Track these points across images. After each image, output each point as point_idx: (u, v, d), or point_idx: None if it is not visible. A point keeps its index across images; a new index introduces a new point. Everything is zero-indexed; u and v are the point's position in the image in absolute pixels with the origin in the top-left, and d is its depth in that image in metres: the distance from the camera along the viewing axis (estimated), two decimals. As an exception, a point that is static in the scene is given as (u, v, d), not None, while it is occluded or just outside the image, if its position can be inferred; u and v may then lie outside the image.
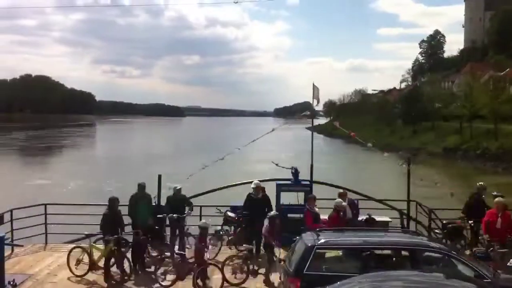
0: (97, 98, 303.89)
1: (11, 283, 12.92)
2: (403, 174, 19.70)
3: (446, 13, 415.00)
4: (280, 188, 17.45)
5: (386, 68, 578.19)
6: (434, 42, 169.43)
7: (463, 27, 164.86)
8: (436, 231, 16.82)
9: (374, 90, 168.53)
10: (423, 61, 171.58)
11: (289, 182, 17.78)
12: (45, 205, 17.26)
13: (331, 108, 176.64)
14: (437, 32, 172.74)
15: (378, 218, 17.39)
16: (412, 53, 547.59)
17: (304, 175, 18.14)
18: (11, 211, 16.38)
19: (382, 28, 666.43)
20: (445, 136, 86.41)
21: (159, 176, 17.30)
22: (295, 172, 17.64)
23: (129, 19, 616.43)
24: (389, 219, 17.72)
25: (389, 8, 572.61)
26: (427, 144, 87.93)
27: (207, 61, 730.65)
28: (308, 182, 17.84)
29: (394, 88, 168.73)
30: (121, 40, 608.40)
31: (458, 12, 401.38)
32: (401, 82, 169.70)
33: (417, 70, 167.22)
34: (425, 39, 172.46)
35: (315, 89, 18.53)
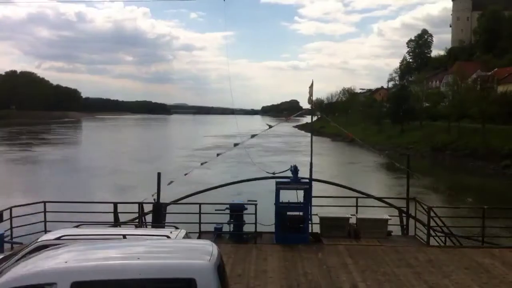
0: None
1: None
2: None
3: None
4: (279, 186, 17.28)
5: (320, 66, 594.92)
6: (421, 42, 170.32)
7: (451, 26, 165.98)
8: (435, 228, 16.96)
9: (362, 89, 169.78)
10: (410, 60, 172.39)
11: (288, 180, 17.62)
12: (44, 202, 17.19)
13: (318, 106, 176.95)
14: (424, 32, 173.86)
15: (377, 216, 17.49)
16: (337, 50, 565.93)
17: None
18: (10, 208, 16.31)
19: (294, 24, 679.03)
20: (433, 135, 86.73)
21: (158, 174, 17.27)
22: (295, 170, 17.51)
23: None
24: (389, 217, 17.82)
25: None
26: (415, 143, 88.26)
27: (140, 58, 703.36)
28: (307, 180, 17.78)
29: (382, 87, 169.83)
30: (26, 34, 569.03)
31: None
32: (388, 81, 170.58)
33: (405, 69, 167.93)
34: (413, 38, 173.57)
35: (311, 88, 18.61)
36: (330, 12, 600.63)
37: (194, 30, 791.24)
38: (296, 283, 13.03)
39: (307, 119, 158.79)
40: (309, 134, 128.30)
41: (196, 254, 8.25)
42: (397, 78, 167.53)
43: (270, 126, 19.79)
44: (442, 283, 13.08)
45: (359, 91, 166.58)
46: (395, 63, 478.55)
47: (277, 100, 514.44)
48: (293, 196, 17.34)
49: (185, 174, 18.14)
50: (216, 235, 17.22)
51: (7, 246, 15.29)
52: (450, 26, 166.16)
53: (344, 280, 13.31)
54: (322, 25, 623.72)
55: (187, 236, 11.07)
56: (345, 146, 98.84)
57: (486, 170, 62.84)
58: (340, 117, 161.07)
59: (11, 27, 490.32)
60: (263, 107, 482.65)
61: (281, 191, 17.27)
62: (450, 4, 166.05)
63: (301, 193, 17.28)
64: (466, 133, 77.59)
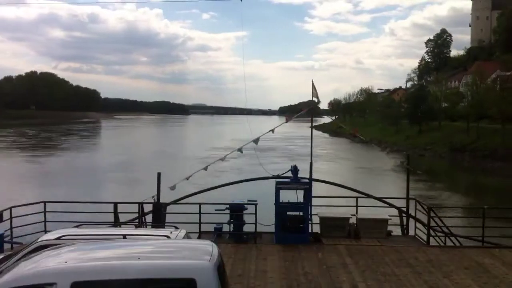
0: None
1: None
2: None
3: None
4: (279, 186, 17.17)
5: (333, 66, 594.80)
6: (440, 41, 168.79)
7: (470, 26, 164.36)
8: (435, 228, 16.80)
9: (380, 89, 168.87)
10: (429, 60, 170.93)
11: (288, 180, 17.54)
12: (44, 202, 17.31)
13: (336, 107, 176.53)
14: (443, 31, 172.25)
15: (377, 216, 17.35)
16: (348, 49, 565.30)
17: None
18: (10, 208, 16.44)
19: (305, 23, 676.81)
20: (452, 136, 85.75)
21: (158, 174, 17.31)
22: (295, 170, 17.45)
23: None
24: (389, 217, 17.69)
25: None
26: (433, 143, 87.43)
27: (154, 59, 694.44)
28: (307, 180, 17.71)
29: (400, 87, 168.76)
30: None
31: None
32: (407, 81, 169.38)
33: (423, 69, 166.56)
34: (432, 38, 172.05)
35: (314, 87, 18.55)
36: (341, 12, 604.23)
37: (207, 30, 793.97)
38: (296, 283, 12.99)
39: (325, 119, 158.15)
40: (327, 135, 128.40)
41: (196, 254, 8.25)
42: (415, 78, 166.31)
43: (272, 130, 19.57)
44: (442, 283, 12.99)
45: (376, 91, 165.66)
46: (409, 62, 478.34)
47: (294, 100, 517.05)
48: (293, 196, 17.27)
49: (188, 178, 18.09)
50: (216, 235, 17.20)
51: (7, 246, 15.40)
52: (470, 26, 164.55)
53: (344, 280, 13.24)
54: (334, 25, 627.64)
55: (187, 236, 11.10)
56: (363, 147, 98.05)
57: (506, 171, 61.92)
58: (357, 118, 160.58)
59: (25, 28, 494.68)
60: (280, 108, 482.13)
61: (281, 191, 17.20)
62: (460, 4, 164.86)
63: (301, 193, 17.22)
64: (486, 133, 76.71)
